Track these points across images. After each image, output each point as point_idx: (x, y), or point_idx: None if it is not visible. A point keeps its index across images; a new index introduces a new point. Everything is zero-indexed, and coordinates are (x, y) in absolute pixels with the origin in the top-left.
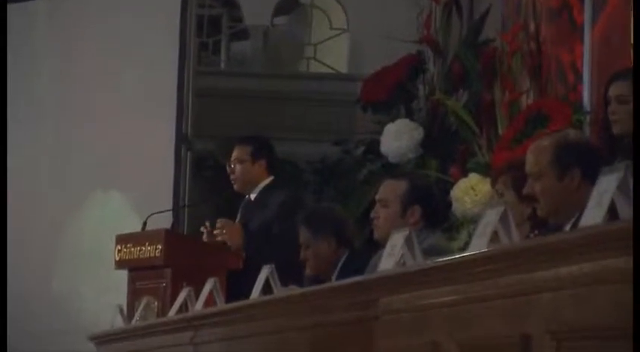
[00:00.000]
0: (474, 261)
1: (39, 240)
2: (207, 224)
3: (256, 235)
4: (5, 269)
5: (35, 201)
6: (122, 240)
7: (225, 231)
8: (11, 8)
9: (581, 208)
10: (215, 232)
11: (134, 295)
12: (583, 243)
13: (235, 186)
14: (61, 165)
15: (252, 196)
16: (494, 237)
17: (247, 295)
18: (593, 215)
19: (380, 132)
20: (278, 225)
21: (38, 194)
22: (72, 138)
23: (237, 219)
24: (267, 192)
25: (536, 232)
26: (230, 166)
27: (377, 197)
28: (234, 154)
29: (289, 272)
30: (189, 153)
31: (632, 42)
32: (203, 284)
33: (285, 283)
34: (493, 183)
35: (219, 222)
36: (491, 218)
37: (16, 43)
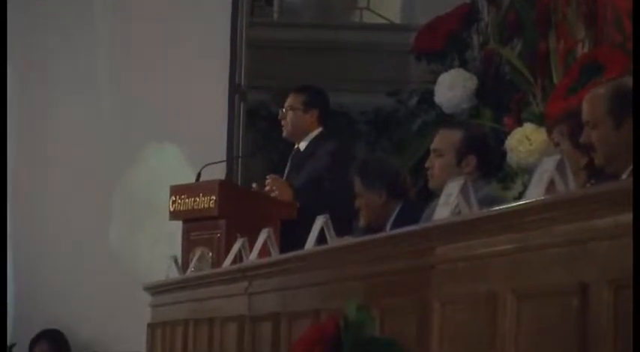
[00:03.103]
0: (531, 209)
1: (94, 191)
2: (255, 185)
3: (307, 185)
4: (5, 268)
5: (91, 153)
6: (176, 191)
7: (275, 188)
8: None
9: None
10: (266, 189)
11: (188, 246)
12: None
13: (284, 133)
14: (116, 117)
15: (302, 146)
16: (551, 186)
17: (301, 245)
18: None
19: (434, 82)
20: (329, 174)
21: (94, 146)
22: (126, 90)
23: (287, 169)
24: (316, 142)
25: (593, 181)
26: (282, 112)
27: (432, 147)
28: (288, 101)
29: (342, 223)
30: (242, 104)
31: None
32: (257, 234)
33: (338, 233)
34: (549, 133)
35: (269, 179)
36: (548, 166)
37: (71, 1)
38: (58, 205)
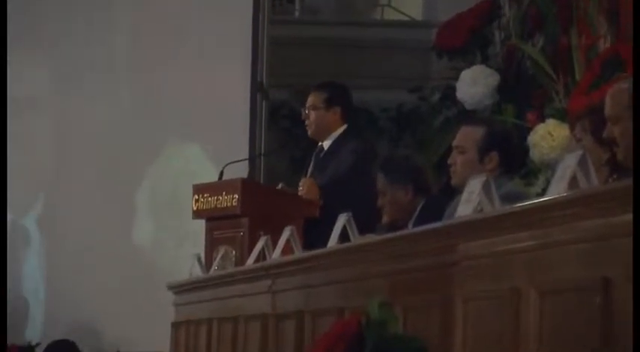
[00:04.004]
0: (553, 205)
1: (118, 191)
2: (281, 185)
3: (331, 184)
4: (5, 268)
5: (114, 152)
6: (199, 189)
7: (302, 188)
8: None
9: None
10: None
11: (212, 244)
12: None
13: (309, 132)
14: (138, 116)
15: (326, 144)
16: (573, 181)
17: (324, 243)
18: None
19: (456, 79)
20: (353, 173)
21: (116, 146)
22: (148, 89)
23: (310, 168)
24: (340, 140)
25: (615, 176)
26: (305, 112)
27: (454, 143)
28: (309, 100)
29: (365, 221)
30: (264, 103)
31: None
32: (280, 232)
33: (361, 231)
34: (571, 128)
35: (302, 182)
36: (570, 162)
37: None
38: (82, 205)
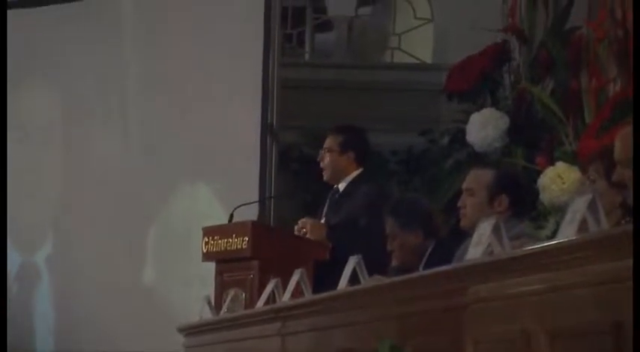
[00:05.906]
0: (563, 248)
1: (128, 232)
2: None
3: (342, 226)
4: (5, 270)
5: (124, 192)
6: (209, 232)
7: (306, 230)
8: (99, 2)
9: None
10: (296, 233)
11: (222, 287)
12: None
13: (324, 176)
14: (148, 156)
15: (341, 187)
16: (583, 225)
17: (334, 286)
18: None
19: (465, 122)
20: (364, 216)
21: (126, 187)
22: (158, 130)
23: (325, 210)
24: (355, 184)
25: (628, 219)
26: (321, 154)
27: (464, 186)
28: (326, 143)
29: (375, 264)
30: (274, 145)
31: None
32: (290, 275)
33: (371, 274)
34: (584, 171)
35: (301, 222)
36: (579, 205)
37: (104, 39)
38: (91, 245)
